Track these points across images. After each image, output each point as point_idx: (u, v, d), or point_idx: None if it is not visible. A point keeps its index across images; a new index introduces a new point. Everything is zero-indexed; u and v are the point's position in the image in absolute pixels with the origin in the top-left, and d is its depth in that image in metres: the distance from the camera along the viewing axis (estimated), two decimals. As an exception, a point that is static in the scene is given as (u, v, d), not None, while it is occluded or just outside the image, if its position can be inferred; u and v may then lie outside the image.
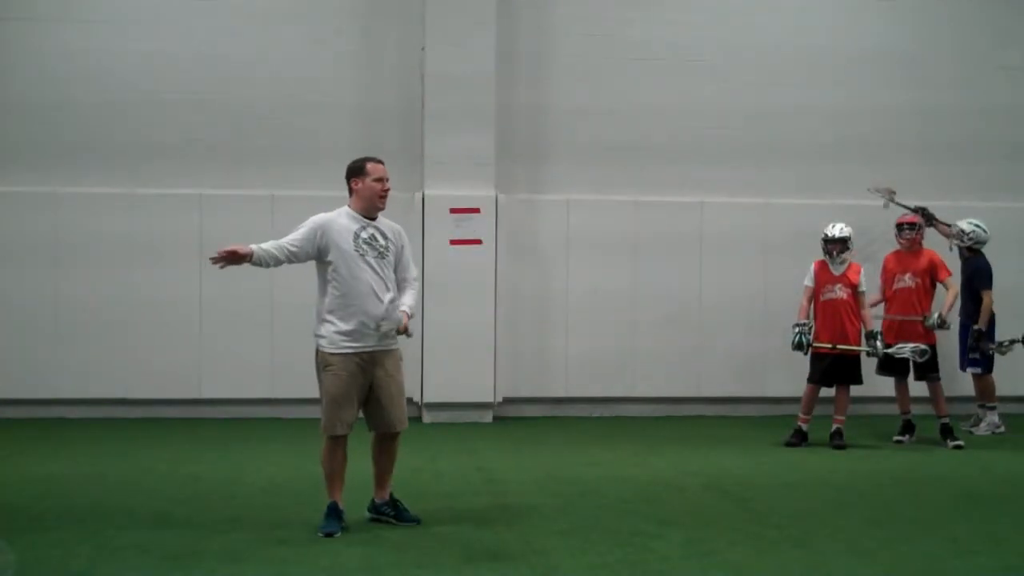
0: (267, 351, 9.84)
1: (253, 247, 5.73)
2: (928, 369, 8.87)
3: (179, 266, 9.70)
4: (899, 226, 9.20)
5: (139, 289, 9.70)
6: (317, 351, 5.87)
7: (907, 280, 9.00)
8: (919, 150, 10.63)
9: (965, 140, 10.70)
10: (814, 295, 8.79)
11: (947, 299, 9.04)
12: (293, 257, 5.83)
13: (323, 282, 5.86)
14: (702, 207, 10.32)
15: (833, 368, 8.73)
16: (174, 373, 9.76)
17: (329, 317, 5.80)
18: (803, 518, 6.30)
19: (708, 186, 10.37)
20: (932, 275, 9.04)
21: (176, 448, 8.39)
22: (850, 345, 8.68)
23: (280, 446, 8.52)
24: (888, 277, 9.17)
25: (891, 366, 8.99)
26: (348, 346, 5.76)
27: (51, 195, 9.67)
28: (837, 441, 8.68)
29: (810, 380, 8.84)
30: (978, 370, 9.35)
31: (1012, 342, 9.26)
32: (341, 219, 5.89)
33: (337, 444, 5.85)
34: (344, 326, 5.75)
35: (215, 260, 5.67)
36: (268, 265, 5.82)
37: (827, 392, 8.89)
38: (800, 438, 8.74)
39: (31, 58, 9.79)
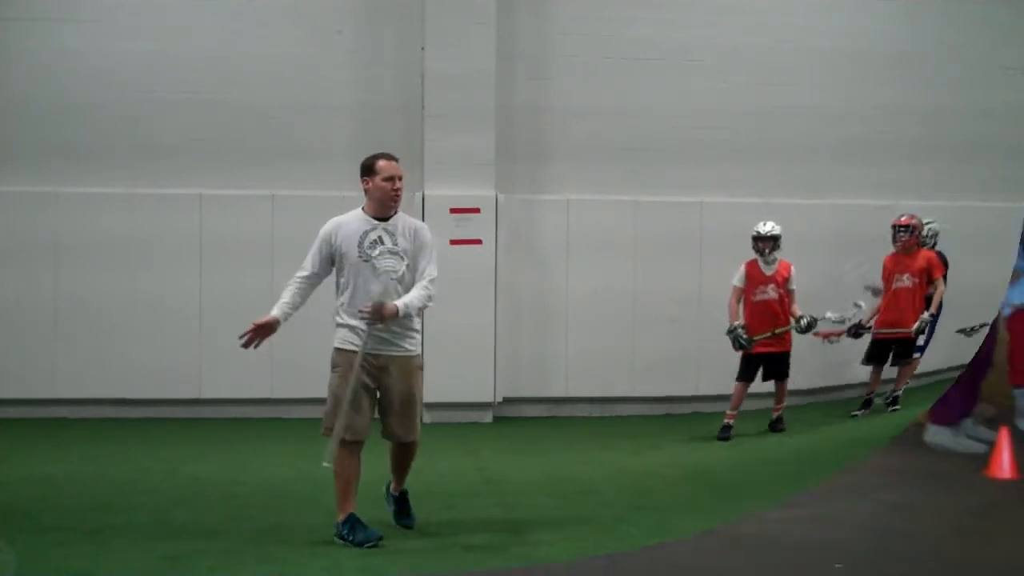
0: (267, 351, 9.70)
1: (275, 312, 5.64)
2: (905, 356, 9.43)
3: (179, 266, 9.71)
4: (895, 228, 9.46)
5: (139, 289, 9.69)
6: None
7: (905, 280, 9.32)
8: (919, 150, 10.64)
9: (965, 140, 10.71)
10: (744, 296, 9.04)
11: (935, 298, 9.33)
12: (314, 279, 5.73)
13: (337, 283, 5.77)
14: (702, 207, 10.31)
15: (767, 366, 9.06)
16: (174, 373, 9.75)
17: (338, 318, 5.70)
18: (803, 518, 6.31)
19: (708, 186, 10.36)
20: (929, 274, 9.34)
21: (176, 448, 8.39)
22: (785, 343, 9.05)
23: (280, 446, 8.53)
24: (887, 277, 9.46)
25: (876, 356, 9.50)
26: (354, 344, 5.61)
27: (51, 195, 9.66)
28: (779, 426, 9.17)
29: (740, 378, 9.07)
30: (918, 355, 9.75)
31: (983, 325, 9.37)
32: (352, 223, 5.71)
33: (346, 450, 5.53)
34: (351, 326, 5.64)
35: (246, 344, 5.63)
36: (299, 306, 5.73)
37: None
38: (727, 433, 8.93)
39: (31, 58, 9.78)
